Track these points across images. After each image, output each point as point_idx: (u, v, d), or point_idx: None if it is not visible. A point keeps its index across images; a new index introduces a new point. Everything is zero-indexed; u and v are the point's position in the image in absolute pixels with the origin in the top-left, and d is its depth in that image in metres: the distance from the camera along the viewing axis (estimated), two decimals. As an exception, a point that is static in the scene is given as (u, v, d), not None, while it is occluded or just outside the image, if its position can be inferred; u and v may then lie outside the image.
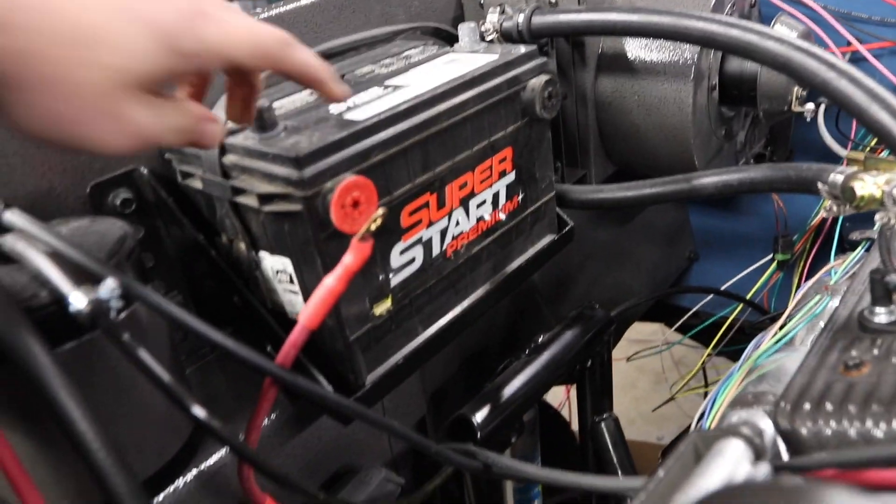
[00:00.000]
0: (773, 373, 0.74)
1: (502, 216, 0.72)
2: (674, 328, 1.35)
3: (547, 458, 1.00)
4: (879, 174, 0.59)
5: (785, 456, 0.54)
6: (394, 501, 0.63)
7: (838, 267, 0.86)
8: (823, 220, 1.06)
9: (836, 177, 0.62)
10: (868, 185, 0.58)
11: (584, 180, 0.94)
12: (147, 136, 0.42)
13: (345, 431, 0.72)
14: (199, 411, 0.49)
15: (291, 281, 0.60)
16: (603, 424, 0.96)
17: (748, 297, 1.16)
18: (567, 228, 0.81)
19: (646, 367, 2.09)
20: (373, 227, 0.51)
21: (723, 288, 1.21)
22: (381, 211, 0.52)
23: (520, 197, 0.74)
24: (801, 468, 0.43)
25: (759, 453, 0.44)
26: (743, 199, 1.24)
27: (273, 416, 0.67)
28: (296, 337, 0.52)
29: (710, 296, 1.25)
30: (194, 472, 0.61)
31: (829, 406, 0.51)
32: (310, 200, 0.53)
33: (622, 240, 1.15)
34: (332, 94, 0.52)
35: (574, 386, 0.96)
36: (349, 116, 0.59)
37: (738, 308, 1.18)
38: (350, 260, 0.51)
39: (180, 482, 0.60)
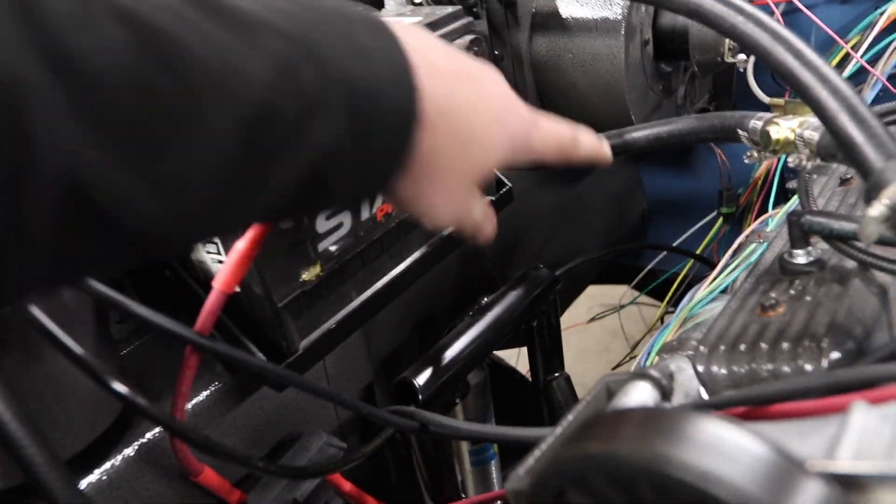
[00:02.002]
0: (707, 321, 0.75)
1: (434, 178, 0.72)
2: (631, 285, 1.36)
3: (509, 419, 1.02)
4: (794, 118, 0.60)
5: (705, 397, 0.55)
6: (336, 464, 0.63)
7: (775, 216, 0.88)
8: (767, 173, 1.07)
9: (756, 123, 0.63)
10: (782, 129, 0.59)
11: (525, 142, 0.94)
12: (463, 221, 0.48)
13: (287, 401, 0.72)
14: (119, 386, 0.49)
15: (219, 251, 0.60)
16: (555, 384, 0.97)
17: (698, 251, 1.17)
18: (505, 189, 0.81)
19: (618, 330, 2.12)
20: None
21: (675, 244, 1.23)
22: None
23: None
24: (708, 407, 0.44)
25: (665, 394, 0.45)
26: (692, 157, 1.25)
27: (212, 387, 0.67)
28: (212, 302, 0.52)
29: (664, 253, 1.26)
30: (134, 445, 0.61)
31: (742, 347, 0.52)
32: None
33: (572, 201, 1.15)
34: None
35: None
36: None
37: (690, 263, 1.20)
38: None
39: (118, 457, 0.60)
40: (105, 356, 0.58)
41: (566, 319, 1.64)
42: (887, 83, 0.92)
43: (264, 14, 0.34)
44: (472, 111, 0.43)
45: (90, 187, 0.28)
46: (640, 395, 0.44)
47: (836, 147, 0.54)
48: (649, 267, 1.29)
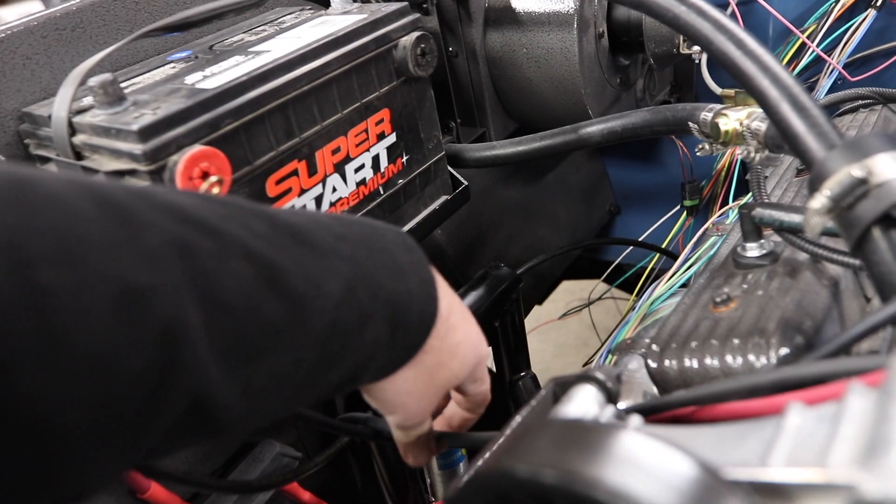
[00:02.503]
0: (665, 317, 0.74)
1: (385, 180, 0.70)
2: (601, 279, 1.35)
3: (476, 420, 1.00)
4: (742, 109, 0.59)
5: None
6: (289, 476, 0.62)
7: (736, 208, 0.87)
8: (729, 165, 1.06)
9: (706, 115, 0.62)
10: (731, 121, 0.58)
11: (483, 139, 0.93)
12: (422, 423, 0.52)
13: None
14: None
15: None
16: (521, 383, 0.96)
17: (664, 245, 1.16)
18: (461, 188, 0.80)
19: (599, 325, 2.12)
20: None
21: (642, 237, 1.22)
22: (213, 178, 0.50)
23: (404, 159, 0.72)
24: (653, 409, 0.43)
25: (611, 397, 0.44)
26: (656, 150, 1.24)
27: (160, 401, 0.65)
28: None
29: (630, 248, 1.26)
30: (78, 464, 0.59)
31: (693, 343, 0.51)
32: (155, 175, 0.51)
33: (536, 197, 1.14)
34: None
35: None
36: (201, 85, 0.57)
37: (657, 257, 1.19)
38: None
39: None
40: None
41: (542, 315, 1.63)
42: (843, 71, 0.92)
43: (327, 237, 0.40)
44: (463, 328, 0.50)
45: (209, 399, 0.32)
46: (584, 399, 0.43)
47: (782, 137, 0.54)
48: (617, 261, 1.28)
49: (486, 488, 0.28)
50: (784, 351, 0.46)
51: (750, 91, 0.49)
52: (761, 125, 0.56)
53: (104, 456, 0.30)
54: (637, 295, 1.24)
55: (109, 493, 0.60)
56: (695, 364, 0.50)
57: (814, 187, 0.44)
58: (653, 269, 1.19)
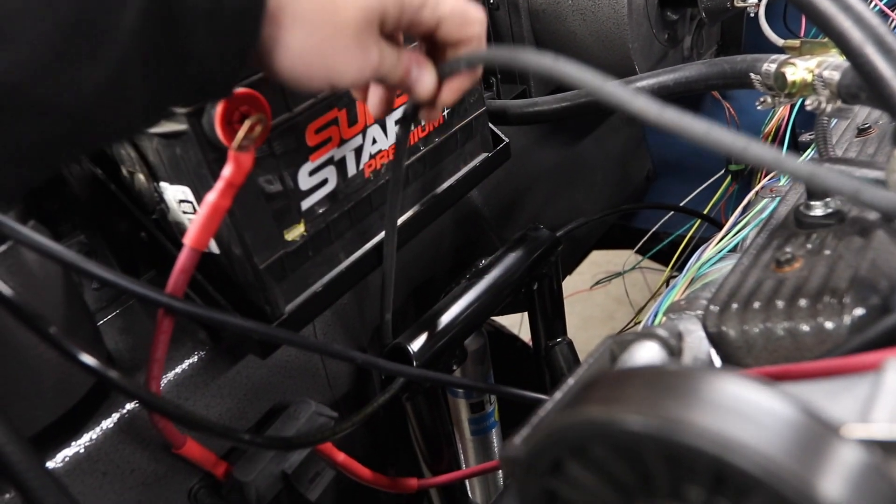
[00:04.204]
0: (716, 280, 0.71)
1: (425, 134, 0.68)
2: (634, 249, 1.32)
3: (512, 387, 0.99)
4: (811, 58, 0.55)
5: (716, 360, 0.51)
6: (325, 434, 0.60)
7: (788, 171, 0.83)
8: (778, 127, 1.02)
9: (769, 66, 0.58)
10: (799, 71, 0.54)
11: (524, 95, 0.89)
12: (378, 71, 0.46)
13: (275, 370, 0.69)
14: (87, 359, 0.46)
15: (195, 210, 0.56)
16: (557, 349, 0.94)
17: (706, 211, 1.13)
18: (502, 145, 0.77)
19: (623, 297, 2.08)
20: (249, 136, 0.47)
21: (682, 204, 1.18)
22: (255, 117, 0.47)
23: (445, 112, 0.69)
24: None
25: (674, 354, 0.42)
26: (698, 113, 1.19)
27: (195, 356, 0.64)
28: (184, 261, 0.48)
29: (670, 214, 1.22)
30: (113, 417, 0.58)
31: (756, 304, 0.48)
32: (194, 117, 0.49)
33: (573, 160, 1.11)
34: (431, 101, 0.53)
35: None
36: (239, 27, 0.54)
37: (696, 224, 1.15)
38: (229, 172, 0.47)
39: (96, 428, 0.57)
40: (76, 324, 0.54)
41: (569, 286, 1.60)
42: (907, 28, 0.87)
43: None
44: None
45: None
46: (646, 354, 0.41)
47: (860, 85, 0.50)
48: (654, 230, 1.24)
49: (560, 442, 0.25)
50: (859, 312, 0.43)
51: (829, 33, 0.45)
52: (834, 73, 0.52)
53: None
54: (673, 266, 1.20)
55: (143, 448, 0.59)
56: (758, 326, 0.47)
57: (900, 135, 0.41)
58: (691, 238, 1.15)
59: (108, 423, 0.58)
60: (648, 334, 0.42)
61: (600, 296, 2.16)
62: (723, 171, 1.10)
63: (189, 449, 0.56)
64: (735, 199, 1.11)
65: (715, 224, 1.14)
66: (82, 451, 0.56)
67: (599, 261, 1.71)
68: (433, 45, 0.51)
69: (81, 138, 0.36)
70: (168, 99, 0.40)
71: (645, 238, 1.26)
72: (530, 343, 1.06)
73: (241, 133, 0.46)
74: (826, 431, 0.22)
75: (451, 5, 0.48)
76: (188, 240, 0.47)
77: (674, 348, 0.41)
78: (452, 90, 0.52)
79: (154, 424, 0.54)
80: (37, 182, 0.37)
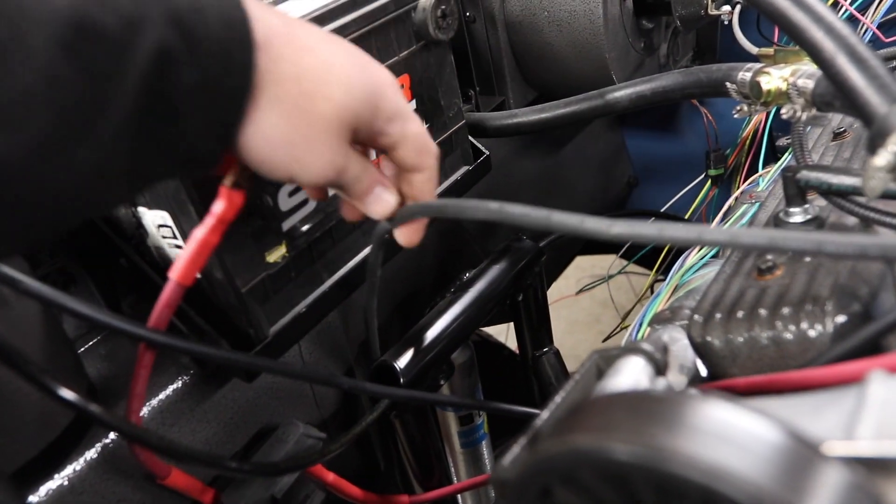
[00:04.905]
0: (700, 287, 0.72)
1: (406, 149, 0.67)
2: (619, 254, 1.33)
3: (498, 397, 0.98)
4: (786, 67, 0.56)
5: (702, 369, 0.51)
6: (313, 457, 0.60)
7: (766, 175, 0.84)
8: (755, 132, 1.03)
9: (745, 75, 0.59)
10: (774, 79, 0.55)
11: (503, 107, 0.90)
12: (341, 176, 0.45)
13: (262, 392, 0.69)
14: (66, 393, 0.45)
15: (174, 235, 0.56)
16: (544, 359, 0.94)
17: (686, 216, 1.14)
18: (482, 158, 0.77)
19: (608, 301, 2.08)
20: (245, 174, 0.46)
21: (662, 210, 1.19)
22: None
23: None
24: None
25: (660, 369, 0.42)
26: (677, 119, 1.21)
27: (179, 381, 0.63)
28: (168, 295, 0.48)
29: (651, 220, 1.23)
30: (97, 447, 0.58)
31: (740, 314, 0.48)
32: (170, 143, 0.48)
33: (554, 169, 1.11)
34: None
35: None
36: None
37: (679, 229, 1.16)
38: (220, 209, 0.46)
39: (79, 459, 0.56)
40: (55, 355, 0.54)
41: (554, 292, 1.61)
42: (877, 31, 0.88)
43: None
44: (327, 48, 0.42)
45: None
46: (632, 371, 0.40)
47: (834, 94, 0.51)
48: (637, 234, 1.25)
49: (548, 470, 0.25)
50: (841, 319, 0.44)
51: (801, 43, 0.46)
52: (808, 82, 0.53)
53: None
54: (657, 270, 1.21)
55: (128, 479, 0.59)
56: (742, 335, 0.47)
57: (875, 144, 0.41)
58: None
59: (91, 454, 0.57)
60: (634, 349, 0.42)
61: (586, 300, 2.17)
62: (703, 177, 1.11)
63: (174, 479, 0.56)
64: (715, 204, 1.12)
65: (696, 228, 1.15)
66: (66, 483, 0.55)
67: (584, 265, 1.72)
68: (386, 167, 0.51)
69: (67, 216, 0.36)
70: (155, 173, 0.40)
71: (628, 244, 1.26)
72: (517, 350, 1.06)
73: (233, 172, 0.45)
74: (811, 454, 0.22)
75: (417, 129, 0.48)
76: (174, 274, 0.47)
77: (659, 363, 0.41)
78: (404, 235, 0.52)
79: (137, 457, 0.53)
80: (13, 253, 0.37)
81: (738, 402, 0.24)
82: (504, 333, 1.41)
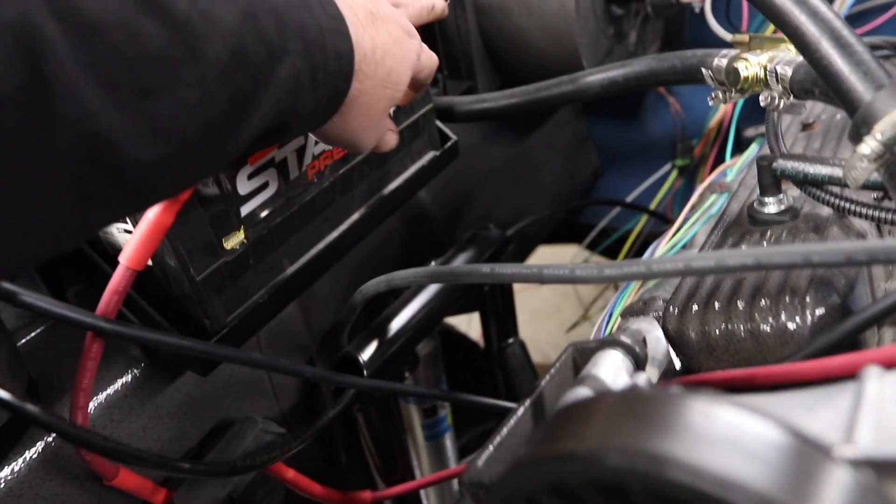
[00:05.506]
0: (671, 279, 0.71)
1: (371, 132, 0.65)
2: (583, 245, 1.32)
3: (462, 389, 0.97)
4: (763, 53, 0.55)
5: (676, 362, 0.50)
6: (272, 454, 0.57)
7: (734, 166, 0.84)
8: (721, 121, 1.03)
9: (721, 61, 0.58)
10: (752, 66, 0.54)
11: (471, 92, 0.87)
12: (378, 142, 0.56)
13: (217, 386, 0.65)
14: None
15: (125, 219, 0.52)
16: (509, 350, 0.92)
17: (652, 206, 1.13)
18: (450, 143, 0.74)
19: (570, 291, 2.08)
20: None
21: (628, 200, 1.18)
22: None
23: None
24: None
25: (639, 363, 0.40)
26: (643, 108, 1.20)
27: (128, 374, 0.59)
28: (118, 281, 0.44)
29: (616, 210, 1.22)
30: (38, 446, 0.54)
31: (716, 305, 0.47)
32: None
33: (521, 157, 1.09)
34: None
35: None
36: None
37: (643, 220, 1.16)
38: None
39: (18, 460, 0.53)
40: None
41: (517, 281, 1.59)
42: None
43: None
44: (387, 54, 0.49)
45: (99, 135, 0.29)
46: (611, 365, 0.39)
47: (814, 81, 0.50)
48: (601, 225, 1.24)
49: (535, 479, 0.23)
50: (820, 311, 0.43)
51: (783, 27, 0.44)
52: (787, 69, 0.51)
53: None
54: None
55: (73, 479, 0.55)
56: (719, 327, 0.46)
57: (859, 132, 0.40)
58: (639, 233, 1.15)
59: (31, 454, 0.53)
60: (612, 342, 0.40)
61: (547, 290, 2.16)
62: (669, 167, 1.10)
63: (123, 480, 0.52)
64: (681, 194, 1.12)
65: (661, 219, 1.14)
66: (2, 485, 0.51)
67: (545, 254, 1.70)
68: None
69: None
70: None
71: (593, 234, 1.25)
72: (480, 340, 1.05)
73: None
74: (819, 457, 0.21)
75: (433, 59, 0.58)
76: (124, 259, 0.44)
77: (639, 356, 0.40)
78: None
79: (82, 458, 0.50)
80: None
81: (739, 402, 0.23)
82: (466, 324, 1.39)
